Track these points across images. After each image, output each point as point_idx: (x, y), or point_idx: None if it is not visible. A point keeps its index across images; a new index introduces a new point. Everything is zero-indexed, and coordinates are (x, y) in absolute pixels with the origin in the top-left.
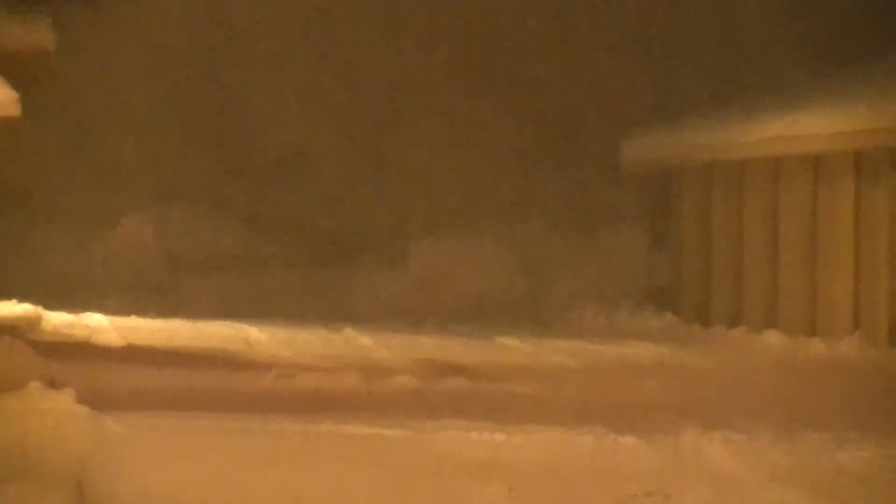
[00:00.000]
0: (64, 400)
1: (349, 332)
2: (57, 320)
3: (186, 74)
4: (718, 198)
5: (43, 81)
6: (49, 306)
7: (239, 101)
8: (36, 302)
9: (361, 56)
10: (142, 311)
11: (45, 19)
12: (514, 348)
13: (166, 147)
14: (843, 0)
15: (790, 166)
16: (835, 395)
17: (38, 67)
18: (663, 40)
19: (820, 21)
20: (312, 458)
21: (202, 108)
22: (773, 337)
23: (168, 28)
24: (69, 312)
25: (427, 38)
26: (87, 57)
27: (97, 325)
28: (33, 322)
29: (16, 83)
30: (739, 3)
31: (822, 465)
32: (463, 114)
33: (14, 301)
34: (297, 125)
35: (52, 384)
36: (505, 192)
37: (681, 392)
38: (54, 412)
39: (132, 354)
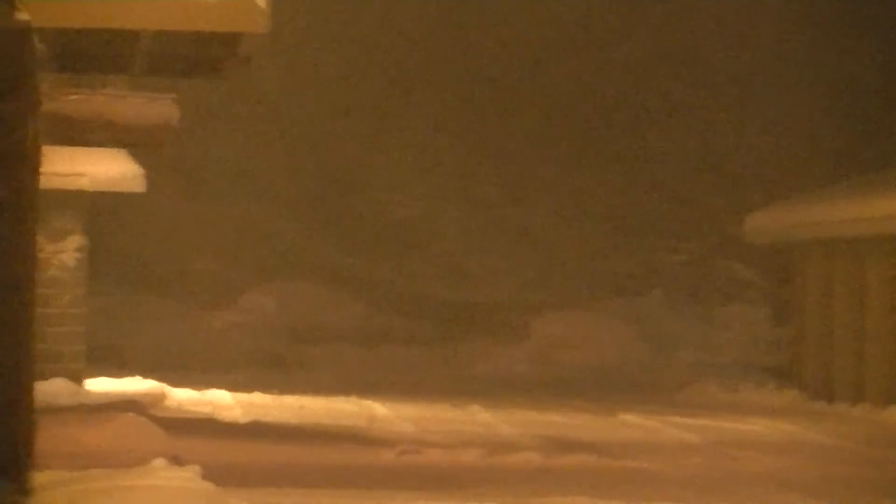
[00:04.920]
0: (188, 476)
1: (473, 408)
2: (181, 396)
3: (306, 146)
4: (840, 272)
5: (165, 153)
6: (173, 382)
7: (358, 171)
8: (160, 378)
9: (483, 122)
10: (265, 387)
11: (171, 96)
12: (636, 424)
13: (286, 220)
14: None
15: None
16: None
17: (162, 142)
18: (787, 113)
19: None
20: None
21: (322, 180)
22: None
23: (286, 99)
24: (193, 388)
25: (544, 107)
26: (208, 128)
27: (220, 401)
28: (158, 398)
29: (140, 156)
30: (858, 77)
31: None
32: (585, 185)
33: (138, 377)
34: (417, 195)
35: (177, 460)
36: (628, 265)
37: (801, 468)
38: (179, 489)
39: (256, 431)
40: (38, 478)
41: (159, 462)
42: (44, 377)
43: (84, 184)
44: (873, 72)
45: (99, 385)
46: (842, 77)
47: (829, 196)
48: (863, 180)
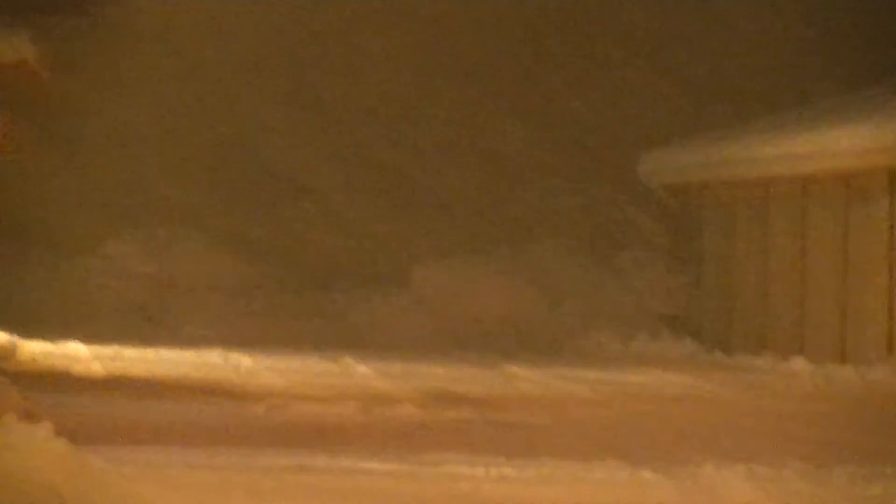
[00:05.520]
0: (41, 434)
1: (347, 360)
2: (34, 349)
3: (185, 96)
4: (742, 216)
5: (30, 95)
6: (25, 334)
7: (236, 123)
8: (11, 330)
9: (365, 72)
10: (126, 340)
11: (24, 32)
12: (522, 377)
13: (153, 167)
14: (873, 14)
15: (819, 184)
16: (867, 425)
17: (23, 81)
18: (686, 52)
19: (849, 35)
20: (306, 494)
21: (199, 129)
22: (800, 364)
23: (168, 43)
24: (47, 340)
25: (434, 53)
26: (81, 72)
27: (77, 354)
28: (8, 351)
29: (5, 98)
30: (766, 18)
31: (851, 501)
32: (471, 132)
33: None
34: (296, 146)
35: (28, 417)
36: (515, 212)
37: (700, 423)
38: (30, 446)
39: (115, 385)
40: None
41: (9, 419)
42: None
43: None
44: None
45: None
46: (747, 15)
47: (731, 135)
48: (767, 119)
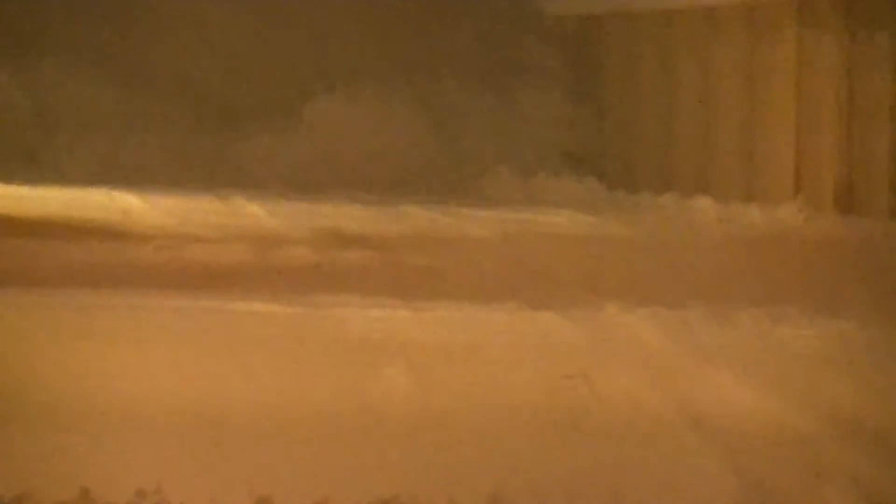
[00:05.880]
0: None
1: (238, 200)
2: None
3: None
4: (646, 51)
5: None
6: None
7: None
8: None
9: None
10: (3, 178)
11: None
12: (419, 217)
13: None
14: None
15: (724, 15)
16: (773, 266)
17: None
18: None
19: None
20: (195, 337)
21: None
22: (705, 203)
23: None
24: None
25: None
26: None
27: None
28: None
29: None
30: None
31: (758, 344)
32: None
33: None
34: None
35: None
36: (409, 46)
37: (604, 264)
38: None
39: None
40: None
41: None
42: None
43: None
44: None
45: None
46: None
47: None
48: None
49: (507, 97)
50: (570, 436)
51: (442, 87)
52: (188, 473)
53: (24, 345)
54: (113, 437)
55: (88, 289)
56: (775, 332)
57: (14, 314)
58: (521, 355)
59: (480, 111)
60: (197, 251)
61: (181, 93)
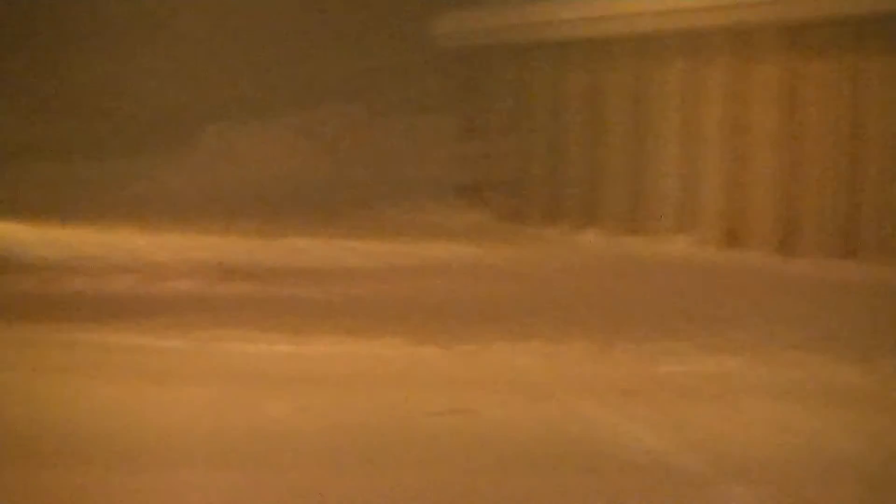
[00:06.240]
0: None
1: (125, 231)
2: None
3: None
4: (535, 81)
5: None
6: None
7: None
8: None
9: None
10: None
11: None
12: (306, 249)
13: None
14: None
15: (613, 47)
16: (660, 299)
17: None
18: None
19: None
20: (74, 371)
21: None
22: (591, 236)
23: None
24: None
25: None
26: None
27: None
28: None
29: None
30: None
31: (640, 378)
32: None
33: None
34: (79, 5)
35: None
36: (301, 78)
37: (489, 296)
38: None
39: None
40: None
41: None
42: None
43: None
44: None
45: None
46: None
47: None
48: None
49: (398, 128)
50: (459, 467)
51: (333, 117)
52: None
53: None
54: None
55: None
56: (657, 366)
57: None
58: (406, 390)
59: (371, 142)
60: (81, 283)
61: (71, 118)
